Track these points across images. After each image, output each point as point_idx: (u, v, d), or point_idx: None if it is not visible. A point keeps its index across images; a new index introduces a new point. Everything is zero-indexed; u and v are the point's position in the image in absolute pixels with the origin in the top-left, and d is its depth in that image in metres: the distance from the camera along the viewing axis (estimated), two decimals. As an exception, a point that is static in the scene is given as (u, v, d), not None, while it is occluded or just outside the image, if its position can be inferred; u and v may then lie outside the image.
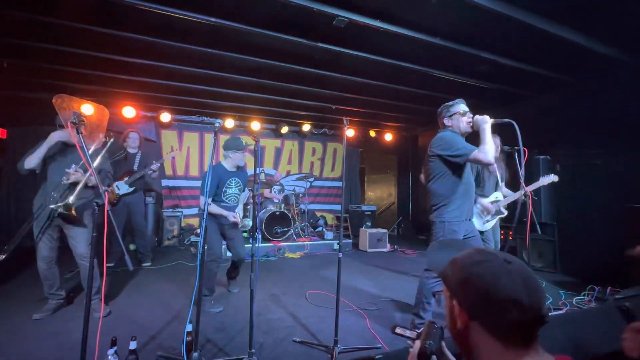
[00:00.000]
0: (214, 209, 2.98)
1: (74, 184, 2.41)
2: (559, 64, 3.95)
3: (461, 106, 2.41)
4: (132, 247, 5.12)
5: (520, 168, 3.13)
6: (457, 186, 2.36)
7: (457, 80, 4.41)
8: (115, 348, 1.72)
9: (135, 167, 4.39)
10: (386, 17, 3.01)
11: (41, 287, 2.66)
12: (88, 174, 2.34)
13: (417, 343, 0.88)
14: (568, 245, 4.41)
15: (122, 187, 4.28)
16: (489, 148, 2.15)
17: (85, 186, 2.44)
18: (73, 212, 2.12)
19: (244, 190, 3.33)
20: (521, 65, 3.86)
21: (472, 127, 2.36)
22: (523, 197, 3.28)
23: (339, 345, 2.10)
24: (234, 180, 3.16)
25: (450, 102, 2.44)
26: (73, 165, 2.38)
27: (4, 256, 2.26)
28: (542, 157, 4.66)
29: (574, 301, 3.21)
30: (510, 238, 5.26)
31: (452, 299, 0.75)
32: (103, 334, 1.82)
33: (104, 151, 2.55)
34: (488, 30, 3.26)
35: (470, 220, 2.45)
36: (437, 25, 3.19)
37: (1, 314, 2.61)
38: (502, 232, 5.35)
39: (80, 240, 2.56)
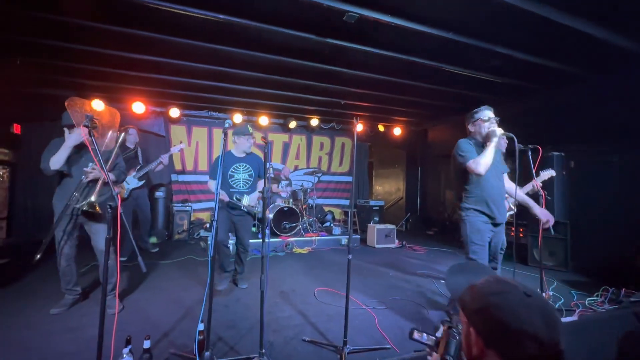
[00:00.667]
0: (211, 185, 3.23)
1: (94, 182, 2.46)
2: (575, 58, 3.82)
3: (485, 112, 2.46)
4: (152, 239, 5.25)
5: (534, 166, 3.11)
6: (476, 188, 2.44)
7: (469, 75, 4.30)
8: (130, 347, 1.76)
9: (141, 161, 4.54)
10: (398, 12, 2.94)
11: (58, 282, 2.73)
12: (106, 172, 2.38)
13: (435, 356, 0.87)
14: (581, 244, 4.33)
15: (131, 181, 4.41)
16: (484, 161, 2.29)
17: (105, 183, 2.47)
18: (98, 209, 2.17)
19: (258, 176, 3.40)
20: (535, 59, 3.75)
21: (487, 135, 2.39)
22: (531, 192, 3.26)
23: (348, 346, 2.12)
24: (242, 165, 3.28)
25: (477, 109, 2.50)
26: (90, 164, 2.42)
27: (38, 256, 2.33)
28: (555, 153, 4.55)
29: (586, 302, 3.16)
30: (521, 235, 5.20)
31: (469, 325, 0.75)
32: (117, 330, 1.87)
33: (117, 147, 2.58)
34: (502, 24, 3.15)
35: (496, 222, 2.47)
36: (449, 19, 3.10)
37: (19, 308, 2.70)
38: (513, 228, 5.32)
39: (102, 237, 2.54)
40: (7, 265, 3.88)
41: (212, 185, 3.24)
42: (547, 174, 3.42)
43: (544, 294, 3.08)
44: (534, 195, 3.20)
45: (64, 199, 2.49)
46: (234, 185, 3.25)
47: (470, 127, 2.55)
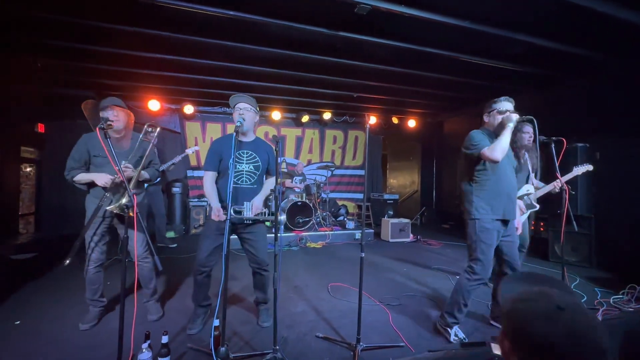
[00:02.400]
0: (208, 189, 2.32)
1: (126, 181, 2.20)
2: (600, 43, 3.60)
3: (504, 104, 2.31)
4: (170, 234, 5.42)
5: (557, 159, 2.96)
6: (487, 183, 2.28)
7: (487, 65, 4.14)
8: (149, 342, 1.82)
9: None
10: (410, 2, 2.85)
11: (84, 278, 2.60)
12: (139, 169, 2.27)
13: None
14: (606, 239, 4.15)
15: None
16: (499, 147, 2.14)
17: (137, 183, 2.36)
18: (130, 213, 1.92)
19: (267, 172, 2.52)
20: (559, 46, 3.55)
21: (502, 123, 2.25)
22: (557, 190, 3.09)
23: (361, 343, 2.12)
24: (246, 153, 2.38)
25: (496, 99, 2.36)
26: (123, 161, 2.28)
27: (68, 261, 2.28)
28: (580, 144, 4.34)
29: (611, 300, 3.04)
30: (542, 230, 5.03)
31: (504, 331, 0.75)
32: (137, 326, 1.93)
33: (152, 143, 2.36)
34: (521, 10, 3.00)
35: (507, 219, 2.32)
36: (464, 7, 2.97)
37: (48, 300, 2.85)
38: (534, 222, 5.15)
39: (137, 240, 2.44)
40: (36, 258, 4.11)
41: (209, 182, 2.35)
42: (583, 169, 3.18)
43: None
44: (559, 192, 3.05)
45: (96, 200, 2.35)
46: (237, 181, 2.34)
47: (485, 118, 2.43)
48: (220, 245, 2.31)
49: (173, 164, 4.74)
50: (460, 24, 3.09)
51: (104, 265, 2.52)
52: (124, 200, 2.06)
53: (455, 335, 2.31)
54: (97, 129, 1.78)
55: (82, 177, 2.35)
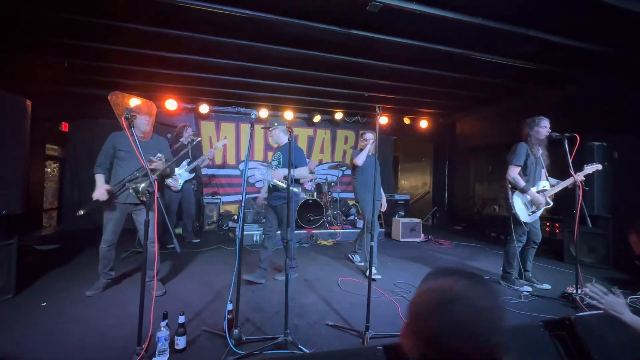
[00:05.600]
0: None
1: (152, 170, 2.56)
2: (618, 40, 3.55)
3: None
4: (177, 230, 5.56)
5: (570, 156, 2.93)
6: None
7: (500, 62, 4.12)
8: (167, 321, 1.91)
9: (190, 156, 4.89)
10: (422, -1, 2.89)
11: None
12: (166, 164, 2.62)
13: None
14: (624, 240, 4.02)
15: (183, 174, 4.83)
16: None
17: (161, 176, 2.65)
18: (142, 198, 2.10)
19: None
20: (574, 42, 3.52)
21: None
22: (570, 186, 3.06)
23: (370, 331, 2.15)
24: (276, 154, 3.40)
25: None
26: (158, 154, 2.61)
27: (82, 211, 2.72)
28: (596, 143, 4.25)
29: (628, 300, 2.97)
30: (557, 231, 4.94)
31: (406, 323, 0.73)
32: (156, 308, 2.03)
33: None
34: (535, 6, 2.99)
35: None
36: (477, 3, 2.99)
37: (71, 286, 2.99)
38: (548, 224, 5.05)
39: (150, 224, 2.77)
40: (59, 249, 4.31)
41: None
42: (592, 167, 3.12)
43: (579, 292, 2.93)
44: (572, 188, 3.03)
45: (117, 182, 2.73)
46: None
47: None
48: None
49: (208, 158, 5.09)
50: (472, 21, 3.11)
51: (123, 256, 2.67)
52: (142, 185, 2.20)
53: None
54: (123, 118, 1.89)
55: (96, 177, 2.76)
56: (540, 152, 3.20)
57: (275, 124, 3.32)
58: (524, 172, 3.18)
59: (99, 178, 2.76)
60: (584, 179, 3.04)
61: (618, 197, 4.20)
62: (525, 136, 3.22)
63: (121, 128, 2.58)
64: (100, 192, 2.69)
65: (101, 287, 2.88)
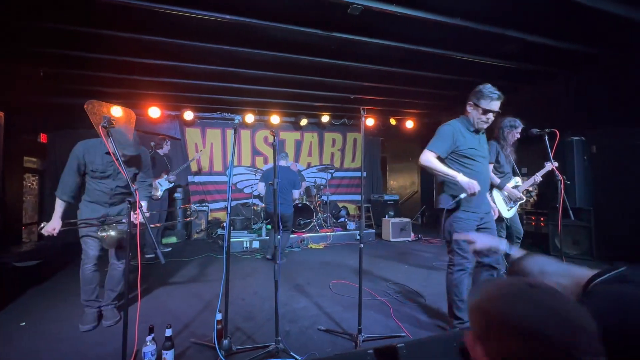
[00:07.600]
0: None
1: (125, 194, 2.47)
2: (595, 39, 3.67)
3: (491, 103, 2.37)
4: (172, 239, 5.49)
5: (551, 152, 3.01)
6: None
7: (481, 62, 4.20)
8: (152, 335, 1.84)
9: (168, 166, 5.00)
10: (403, 2, 2.92)
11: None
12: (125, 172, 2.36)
13: None
14: (606, 232, 4.16)
15: (163, 183, 4.84)
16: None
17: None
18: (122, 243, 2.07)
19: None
20: (552, 42, 3.63)
21: None
22: (539, 180, 3.20)
23: (362, 334, 2.13)
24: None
25: (485, 92, 2.39)
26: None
27: (42, 225, 2.26)
28: (575, 138, 4.38)
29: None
30: (542, 225, 5.05)
31: (473, 333, 0.61)
32: (141, 322, 1.96)
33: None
34: (513, 6, 3.07)
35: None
36: (455, 5, 3.04)
37: (51, 303, 2.88)
38: (533, 218, 5.16)
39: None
40: (39, 266, 4.14)
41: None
42: (547, 168, 3.25)
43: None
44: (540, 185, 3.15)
45: (89, 207, 2.45)
46: None
47: (469, 107, 2.50)
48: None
49: (181, 169, 5.23)
50: (451, 22, 3.16)
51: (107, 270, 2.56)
52: (112, 233, 2.26)
53: None
54: (100, 127, 1.82)
55: (56, 204, 2.38)
56: (509, 150, 3.29)
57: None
58: (497, 170, 3.27)
59: (59, 206, 2.34)
60: (541, 179, 3.25)
61: (598, 190, 4.32)
62: (497, 135, 3.27)
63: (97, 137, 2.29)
64: (52, 227, 2.26)
65: (94, 319, 2.45)
